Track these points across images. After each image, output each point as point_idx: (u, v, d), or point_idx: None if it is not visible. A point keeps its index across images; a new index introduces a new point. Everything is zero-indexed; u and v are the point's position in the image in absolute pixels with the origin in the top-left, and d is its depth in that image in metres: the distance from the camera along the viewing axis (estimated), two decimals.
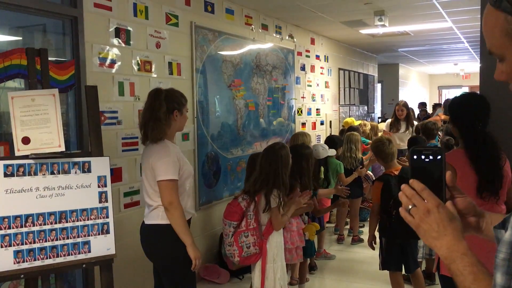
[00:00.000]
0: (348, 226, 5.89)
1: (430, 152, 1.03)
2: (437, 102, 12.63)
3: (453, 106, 2.44)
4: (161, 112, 2.56)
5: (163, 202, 2.54)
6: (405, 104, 6.64)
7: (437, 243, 0.96)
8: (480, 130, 2.27)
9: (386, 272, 3.69)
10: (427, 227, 0.97)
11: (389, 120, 6.94)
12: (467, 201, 1.06)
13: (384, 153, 3.58)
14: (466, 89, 17.54)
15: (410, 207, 1.00)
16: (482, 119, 2.28)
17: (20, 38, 3.26)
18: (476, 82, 16.49)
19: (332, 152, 4.79)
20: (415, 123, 6.62)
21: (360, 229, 5.85)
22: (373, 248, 3.60)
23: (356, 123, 7.28)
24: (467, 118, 2.30)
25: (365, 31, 7.14)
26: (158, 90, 2.67)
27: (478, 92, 2.97)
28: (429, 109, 12.93)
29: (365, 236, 5.65)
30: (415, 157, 1.04)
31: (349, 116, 8.46)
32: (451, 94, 19.01)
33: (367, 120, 8.42)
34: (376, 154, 3.67)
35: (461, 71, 15.49)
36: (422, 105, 12.24)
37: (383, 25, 5.80)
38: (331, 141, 5.05)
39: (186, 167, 2.67)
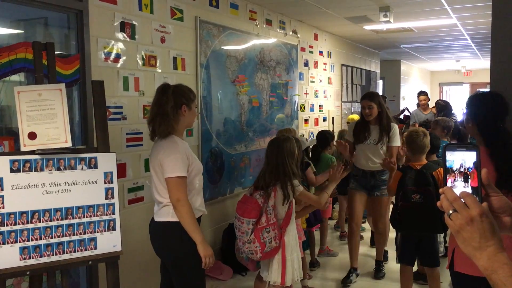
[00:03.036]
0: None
1: (465, 148, 1.01)
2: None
3: (473, 105, 2.42)
4: (168, 107, 2.52)
5: (171, 199, 2.51)
6: (376, 96, 4.26)
7: (477, 253, 0.93)
8: (502, 128, 2.27)
9: (390, 269, 3.68)
10: (468, 236, 0.94)
11: (353, 118, 5.05)
12: (502, 200, 1.03)
13: (415, 144, 3.49)
14: (467, 86, 17.51)
15: (451, 212, 0.97)
16: (502, 117, 2.29)
17: (22, 31, 3.22)
18: (477, 79, 16.34)
19: (312, 142, 4.81)
20: (395, 126, 4.29)
21: (362, 225, 5.83)
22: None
23: None
24: (489, 116, 2.30)
25: (369, 27, 7.09)
26: (165, 85, 2.64)
27: (484, 88, 2.96)
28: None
29: (366, 234, 5.66)
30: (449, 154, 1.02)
31: (352, 113, 8.43)
32: (452, 91, 18.98)
33: None
34: (407, 143, 3.60)
35: (463, 68, 15.43)
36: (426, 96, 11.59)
37: (388, 21, 5.76)
38: (322, 136, 5.03)
39: (196, 164, 2.63)
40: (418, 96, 8.15)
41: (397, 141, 4.21)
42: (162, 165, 2.52)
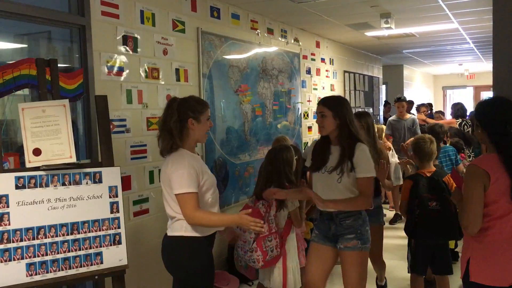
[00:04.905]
0: None
1: None
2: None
3: (483, 111, 2.40)
4: (171, 122, 2.46)
5: (183, 215, 2.45)
6: (337, 101, 3.03)
7: None
8: None
9: (399, 277, 3.64)
10: None
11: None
12: None
13: (423, 151, 3.48)
14: (471, 89, 17.46)
15: None
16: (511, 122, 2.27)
17: (25, 45, 3.25)
18: (480, 82, 16.32)
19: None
20: (361, 147, 2.84)
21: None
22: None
23: None
24: (499, 122, 2.27)
25: (370, 33, 7.10)
26: (172, 99, 2.57)
27: (488, 91, 2.95)
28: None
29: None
30: None
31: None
32: (455, 94, 18.95)
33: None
34: (414, 151, 3.57)
35: (466, 71, 15.40)
36: (426, 107, 10.80)
37: (389, 28, 5.77)
38: None
39: (207, 178, 2.53)
40: (395, 102, 7.20)
41: (367, 170, 2.80)
42: (170, 180, 2.45)
